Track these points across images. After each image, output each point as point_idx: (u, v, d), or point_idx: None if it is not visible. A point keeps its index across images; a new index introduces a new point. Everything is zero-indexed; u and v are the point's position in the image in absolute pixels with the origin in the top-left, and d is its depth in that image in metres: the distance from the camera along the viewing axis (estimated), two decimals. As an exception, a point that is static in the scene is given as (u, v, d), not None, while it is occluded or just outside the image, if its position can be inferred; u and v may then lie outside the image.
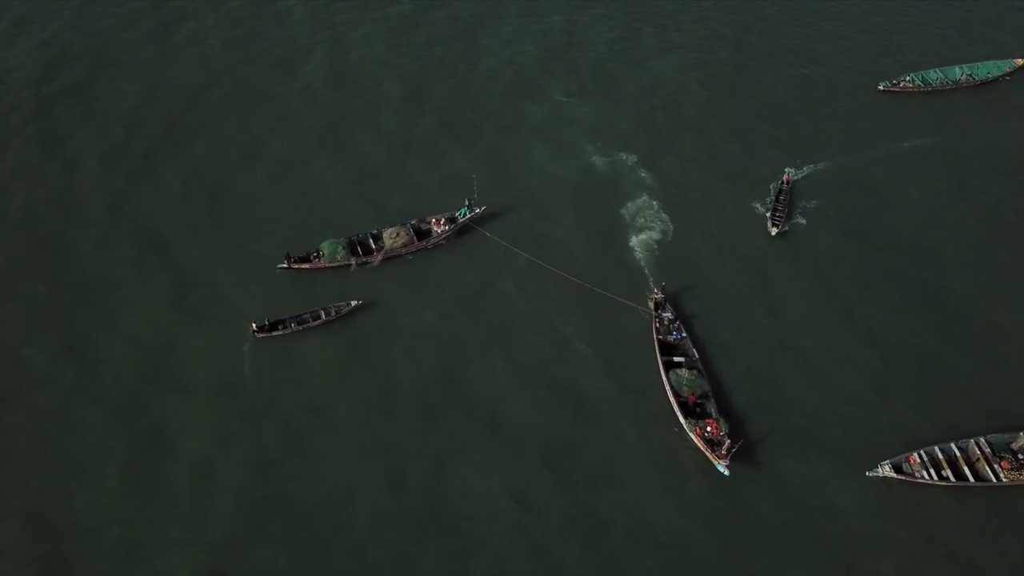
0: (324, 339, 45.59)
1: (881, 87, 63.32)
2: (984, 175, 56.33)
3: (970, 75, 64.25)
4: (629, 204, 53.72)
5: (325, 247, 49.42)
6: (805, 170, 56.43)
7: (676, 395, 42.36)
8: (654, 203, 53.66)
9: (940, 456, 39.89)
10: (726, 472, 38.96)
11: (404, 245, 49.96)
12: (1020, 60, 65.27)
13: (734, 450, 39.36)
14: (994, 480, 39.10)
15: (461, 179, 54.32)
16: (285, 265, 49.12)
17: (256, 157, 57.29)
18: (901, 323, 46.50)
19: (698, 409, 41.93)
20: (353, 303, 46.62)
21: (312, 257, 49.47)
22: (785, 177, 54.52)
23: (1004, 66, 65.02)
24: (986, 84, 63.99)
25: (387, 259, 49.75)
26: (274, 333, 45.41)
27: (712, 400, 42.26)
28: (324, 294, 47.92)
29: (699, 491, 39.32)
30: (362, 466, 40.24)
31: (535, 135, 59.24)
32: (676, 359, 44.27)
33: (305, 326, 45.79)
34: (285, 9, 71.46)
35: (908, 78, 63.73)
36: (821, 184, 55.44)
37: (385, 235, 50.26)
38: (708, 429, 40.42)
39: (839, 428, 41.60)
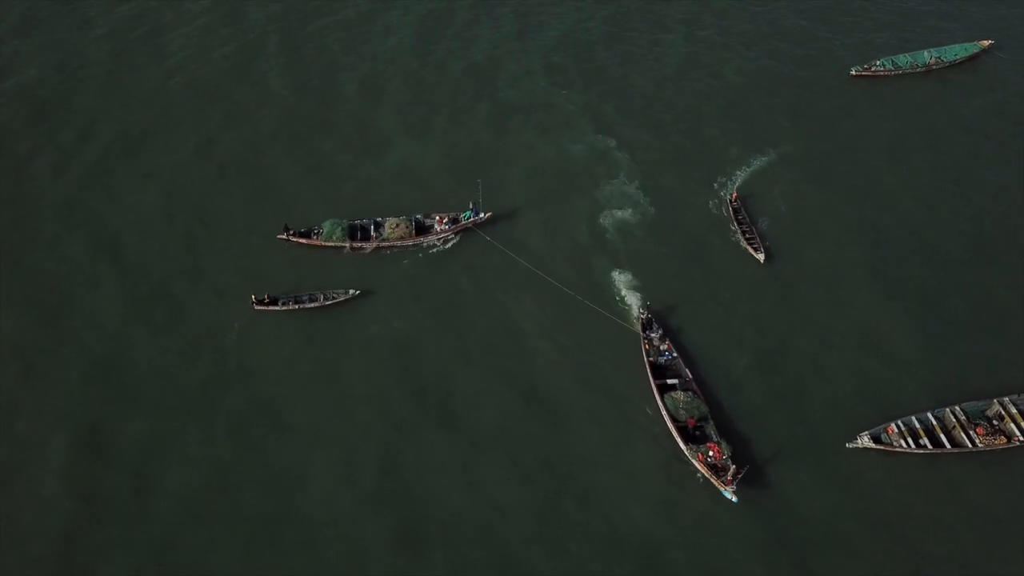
0: (317, 322, 46.75)
1: (853, 72, 64.78)
2: (957, 155, 57.82)
3: (939, 58, 65.78)
4: (616, 208, 54.10)
5: (326, 225, 50.97)
6: (773, 156, 57.39)
7: (674, 420, 41.44)
8: (634, 208, 53.76)
9: (917, 425, 41.22)
10: (733, 499, 38.21)
11: (401, 237, 50.83)
12: (985, 42, 66.90)
13: (740, 476, 38.60)
14: (970, 446, 40.43)
15: (468, 179, 54.65)
16: (284, 236, 50.81)
17: (272, 144, 59.34)
18: (882, 312, 47.13)
19: (697, 433, 41.09)
20: (351, 292, 47.69)
21: (312, 234, 50.99)
22: (732, 196, 53.99)
23: (971, 48, 66.62)
24: (954, 66, 65.60)
25: (383, 248, 50.63)
26: (272, 308, 46.91)
27: (711, 422, 41.44)
28: (322, 275, 49.22)
29: (710, 520, 38.53)
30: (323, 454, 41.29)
31: (540, 139, 59.49)
32: (670, 381, 43.31)
33: (301, 306, 47.11)
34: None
35: (879, 63, 65.28)
36: (798, 176, 56.25)
37: (387, 224, 51.37)
38: (710, 454, 39.65)
39: (833, 423, 41.83)
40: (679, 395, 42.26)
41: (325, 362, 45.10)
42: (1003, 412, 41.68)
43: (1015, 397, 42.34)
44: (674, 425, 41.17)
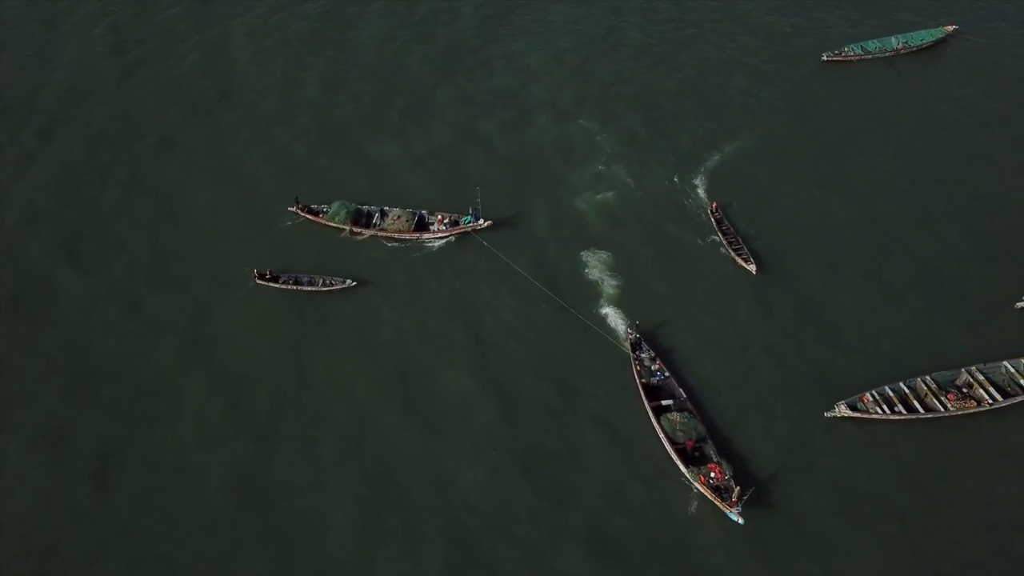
0: (310, 305, 48.05)
1: (825, 57, 66.92)
2: (927, 138, 59.93)
3: (906, 43, 68.19)
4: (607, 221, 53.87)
5: (334, 205, 52.81)
6: (750, 148, 58.60)
7: (672, 442, 40.56)
8: (616, 220, 53.55)
9: (891, 394, 43.12)
10: (740, 520, 37.43)
11: (399, 230, 51.93)
12: (950, 27, 69.44)
13: (745, 497, 37.99)
14: (942, 411, 42.39)
15: (469, 182, 55.13)
16: (294, 209, 52.99)
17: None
18: (870, 305, 47.92)
19: (696, 454, 40.29)
20: (348, 282, 48.81)
21: (320, 212, 52.86)
22: (712, 206, 53.51)
23: (936, 33, 69.10)
24: (922, 50, 67.94)
25: (381, 238, 51.76)
26: (272, 284, 48.49)
27: (710, 442, 40.74)
28: (321, 256, 50.97)
29: (716, 544, 37.61)
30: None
31: (521, 137, 60.06)
32: (664, 402, 42.51)
33: (299, 287, 48.57)
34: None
35: (848, 48, 67.47)
36: (776, 171, 56.93)
37: (390, 215, 52.76)
38: (712, 475, 39.00)
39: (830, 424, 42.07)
40: (675, 416, 41.46)
41: (307, 347, 45.98)
42: (971, 380, 43.70)
43: (981, 366, 44.34)
44: (672, 447, 40.53)
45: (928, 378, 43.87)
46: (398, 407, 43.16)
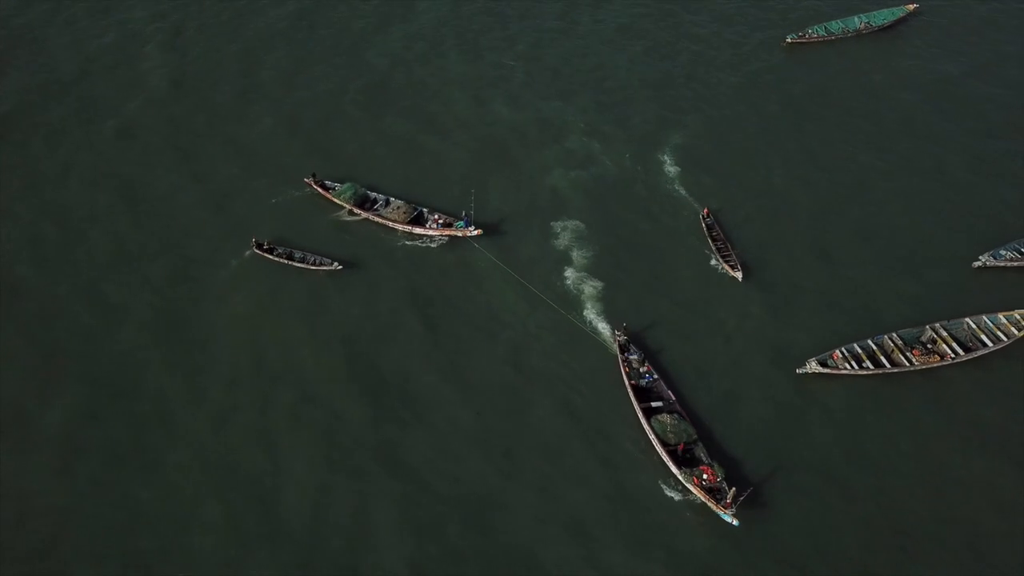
0: (294, 281, 49.08)
1: (788, 40, 69.00)
2: (890, 116, 62.27)
3: (868, 23, 70.51)
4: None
5: (344, 185, 54.85)
6: (730, 141, 59.70)
7: (664, 444, 40.17)
8: (601, 221, 53.41)
9: (859, 350, 45.08)
10: (734, 522, 37.19)
11: (395, 220, 52.93)
12: (912, 5, 71.90)
13: (740, 499, 37.65)
14: (908, 365, 44.44)
15: (467, 186, 55.16)
16: (309, 180, 55.12)
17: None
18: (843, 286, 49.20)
19: (687, 456, 40.02)
20: (335, 265, 49.59)
21: (331, 188, 54.90)
22: (704, 212, 53.46)
23: (898, 12, 71.53)
24: (883, 30, 70.31)
25: (375, 225, 52.84)
26: (268, 256, 50.02)
27: (700, 444, 40.49)
28: (316, 232, 52.42)
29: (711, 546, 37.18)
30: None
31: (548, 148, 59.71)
32: (654, 404, 42.31)
33: (290, 262, 49.87)
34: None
35: (811, 29, 69.65)
36: (758, 168, 57.61)
37: (392, 204, 54.05)
38: (704, 477, 38.57)
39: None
40: (666, 418, 41.06)
41: (288, 326, 46.69)
42: (935, 336, 45.74)
43: (945, 322, 46.49)
44: (664, 449, 40.23)
45: (895, 335, 45.86)
46: (371, 400, 42.96)
